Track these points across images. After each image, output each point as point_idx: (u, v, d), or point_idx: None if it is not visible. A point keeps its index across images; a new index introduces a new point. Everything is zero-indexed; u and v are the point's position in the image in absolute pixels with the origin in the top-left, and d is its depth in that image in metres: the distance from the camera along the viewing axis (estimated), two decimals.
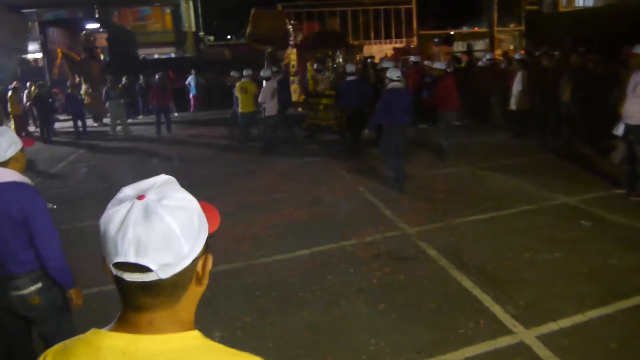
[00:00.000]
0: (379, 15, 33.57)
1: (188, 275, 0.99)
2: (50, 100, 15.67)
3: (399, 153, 7.78)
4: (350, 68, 10.93)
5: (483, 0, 32.61)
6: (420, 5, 33.91)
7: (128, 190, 0.98)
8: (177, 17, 32.89)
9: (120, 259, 0.92)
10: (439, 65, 10.28)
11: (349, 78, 10.72)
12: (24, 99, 16.48)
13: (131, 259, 0.92)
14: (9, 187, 2.75)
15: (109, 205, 0.97)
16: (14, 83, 16.09)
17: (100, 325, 1.03)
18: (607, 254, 5.08)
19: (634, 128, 6.49)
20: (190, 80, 19.96)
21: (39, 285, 2.87)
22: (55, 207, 7.61)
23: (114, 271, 0.95)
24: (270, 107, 10.74)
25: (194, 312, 1.06)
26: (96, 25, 22.41)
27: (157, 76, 15.40)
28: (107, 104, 15.08)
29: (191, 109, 20.16)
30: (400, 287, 4.67)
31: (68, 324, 3.08)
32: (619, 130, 6.75)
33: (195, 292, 1.03)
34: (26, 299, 2.87)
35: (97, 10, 28.04)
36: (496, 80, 12.31)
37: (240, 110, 11.67)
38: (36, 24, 23.12)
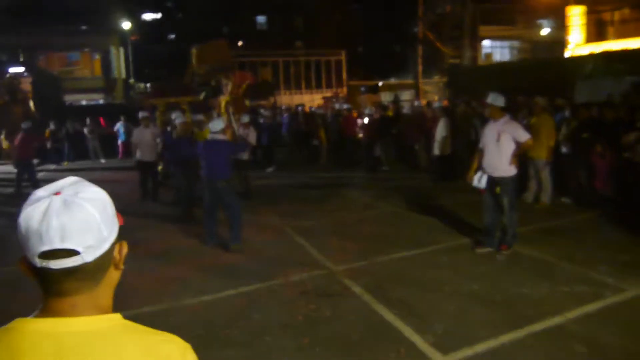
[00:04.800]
0: (309, 66, 34.55)
1: (107, 259, 1.10)
2: None
3: (213, 211, 7.32)
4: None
5: (409, 54, 34.36)
6: (349, 58, 35.25)
7: (41, 192, 1.06)
8: (106, 64, 32.57)
9: (46, 247, 1.00)
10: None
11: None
12: None
13: (57, 245, 1.00)
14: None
15: (25, 206, 1.04)
16: None
17: None
18: (519, 284, 5.39)
19: (501, 180, 6.25)
20: (119, 126, 19.67)
21: None
22: None
23: (39, 263, 1.02)
24: None
25: (112, 297, 1.15)
26: (20, 69, 21.81)
27: (24, 125, 12.90)
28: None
29: (119, 156, 19.79)
30: (325, 322, 4.74)
31: None
32: (482, 182, 6.37)
33: (113, 277, 1.14)
34: None
35: (22, 54, 27.41)
36: (420, 127, 12.90)
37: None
38: None
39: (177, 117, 9.89)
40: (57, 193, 1.04)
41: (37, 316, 1.06)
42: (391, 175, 12.75)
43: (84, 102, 30.02)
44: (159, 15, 55.13)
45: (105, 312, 1.10)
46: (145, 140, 10.69)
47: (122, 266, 1.14)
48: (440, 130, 11.29)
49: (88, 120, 19.63)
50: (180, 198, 9.68)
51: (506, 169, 6.22)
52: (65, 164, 18.51)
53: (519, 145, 6.15)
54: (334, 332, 4.52)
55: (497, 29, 32.73)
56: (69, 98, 27.50)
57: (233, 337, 4.50)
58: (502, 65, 25.02)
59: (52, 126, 18.11)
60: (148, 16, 53.03)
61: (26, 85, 21.24)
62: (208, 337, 4.50)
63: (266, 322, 4.79)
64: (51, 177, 13.40)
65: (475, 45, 31.65)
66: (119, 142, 19.65)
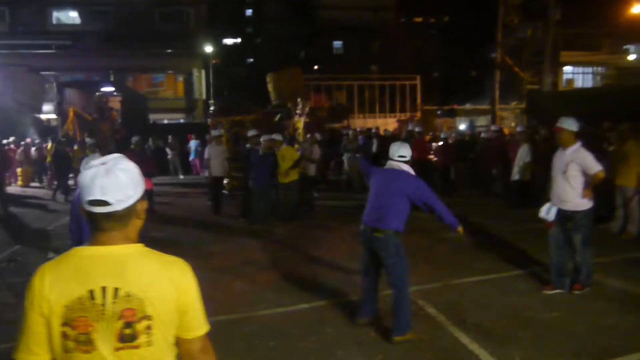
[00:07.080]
0: (384, 90, 34.57)
1: (132, 210, 1.64)
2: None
3: (369, 275, 5.22)
4: None
5: (485, 79, 33.76)
6: (424, 82, 34.99)
7: (94, 162, 1.63)
8: (189, 85, 34.01)
9: (91, 197, 1.58)
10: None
11: None
12: (37, 154, 17.06)
13: (98, 196, 1.57)
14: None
15: (83, 170, 1.67)
16: (27, 140, 16.64)
17: None
18: (603, 314, 5.14)
19: (572, 214, 5.58)
20: (192, 144, 20.50)
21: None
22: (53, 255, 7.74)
23: (87, 207, 1.59)
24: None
25: (137, 235, 1.69)
26: (111, 89, 23.18)
27: (133, 139, 13.76)
28: None
29: (194, 172, 20.54)
30: (398, 341, 4.70)
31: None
32: (551, 214, 5.72)
33: (136, 223, 1.69)
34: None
35: (112, 75, 29.14)
36: (499, 152, 12.55)
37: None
38: (54, 84, 23.91)
39: (262, 135, 10.10)
40: (103, 164, 1.60)
41: (88, 245, 1.62)
42: (466, 200, 12.51)
43: (165, 121, 31.44)
44: (239, 40, 57.30)
45: (134, 242, 1.65)
46: (218, 156, 11.16)
47: (143, 216, 1.69)
48: (523, 155, 10.93)
49: (170, 138, 20.55)
50: (257, 212, 9.92)
51: (577, 202, 5.53)
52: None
53: (589, 177, 5.46)
54: (408, 350, 4.48)
55: (580, 55, 31.69)
56: (152, 117, 28.90)
57: (305, 351, 4.54)
58: (585, 92, 24.14)
59: (134, 140, 19.02)
60: (229, 41, 55.19)
61: (115, 103, 22.51)
62: (281, 349, 4.57)
63: (339, 337, 4.82)
64: None
65: (556, 71, 30.74)
66: (190, 158, 20.48)
